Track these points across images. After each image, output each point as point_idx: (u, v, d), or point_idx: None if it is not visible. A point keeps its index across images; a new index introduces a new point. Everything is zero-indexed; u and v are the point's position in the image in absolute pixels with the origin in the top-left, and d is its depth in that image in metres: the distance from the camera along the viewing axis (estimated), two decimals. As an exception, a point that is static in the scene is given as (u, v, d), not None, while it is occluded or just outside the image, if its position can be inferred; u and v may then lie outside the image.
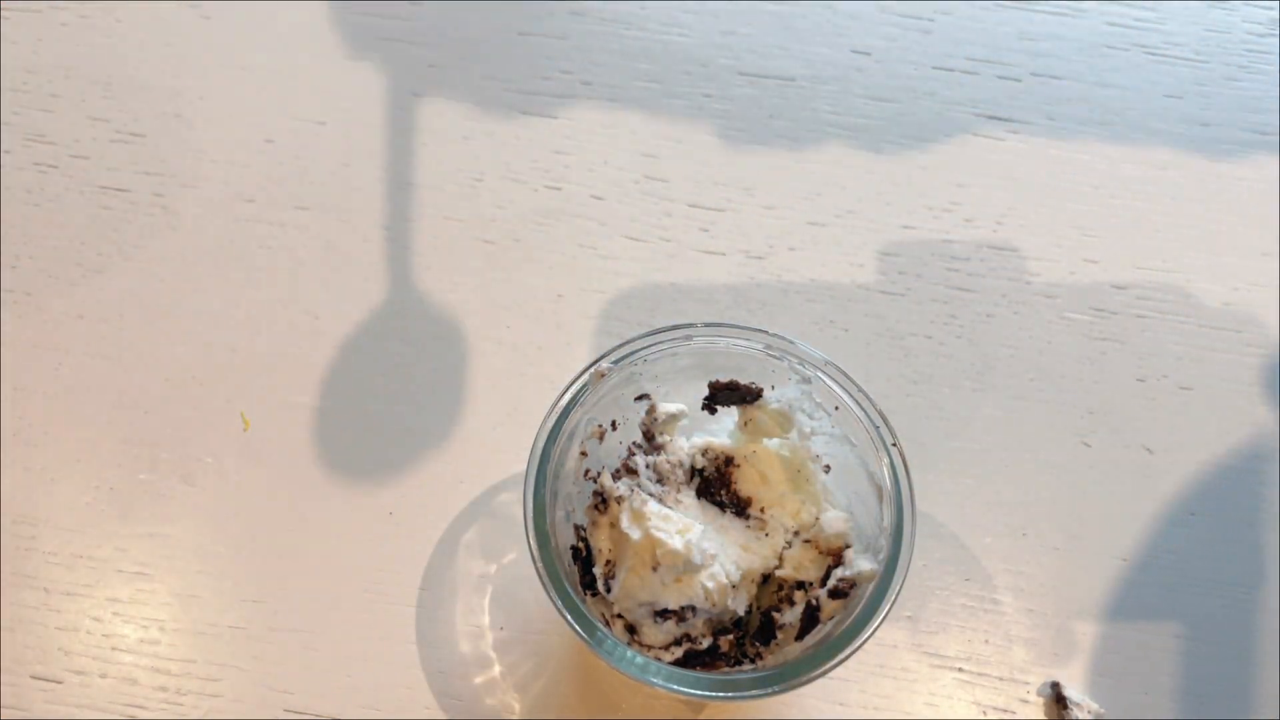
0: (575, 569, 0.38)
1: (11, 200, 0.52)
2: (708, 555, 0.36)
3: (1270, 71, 0.56)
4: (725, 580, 0.36)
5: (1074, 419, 0.49)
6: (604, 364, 0.37)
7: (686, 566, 0.35)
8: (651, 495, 0.37)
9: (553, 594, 0.35)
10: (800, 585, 0.38)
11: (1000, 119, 0.55)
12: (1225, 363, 0.50)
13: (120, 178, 0.53)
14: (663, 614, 0.36)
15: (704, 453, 0.40)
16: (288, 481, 0.47)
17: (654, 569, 0.35)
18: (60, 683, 0.44)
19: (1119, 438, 0.48)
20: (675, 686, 0.34)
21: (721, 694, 0.34)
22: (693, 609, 0.36)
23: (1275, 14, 0.57)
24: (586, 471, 0.39)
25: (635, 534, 0.35)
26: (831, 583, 0.36)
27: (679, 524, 0.36)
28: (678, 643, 0.36)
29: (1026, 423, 0.49)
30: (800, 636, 0.37)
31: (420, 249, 0.51)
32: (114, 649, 0.44)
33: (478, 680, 0.44)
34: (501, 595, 0.45)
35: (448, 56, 0.56)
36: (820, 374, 0.38)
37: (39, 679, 0.44)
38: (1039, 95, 0.55)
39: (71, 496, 0.47)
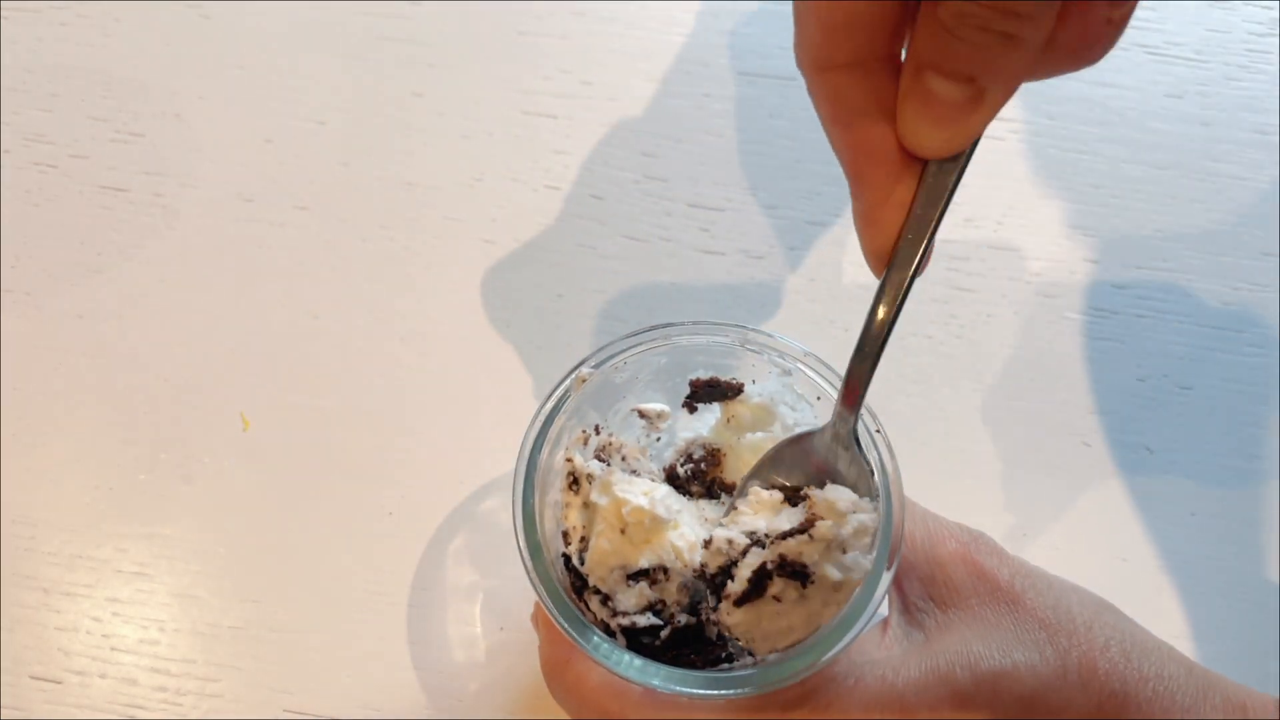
0: (568, 575, 0.38)
1: (11, 200, 0.52)
2: (673, 510, 0.36)
3: (1270, 71, 0.56)
4: (694, 538, 0.36)
5: (1074, 419, 0.49)
6: (585, 369, 0.37)
7: (653, 523, 0.35)
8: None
9: (548, 602, 0.35)
10: (757, 543, 0.36)
11: (1000, 119, 0.54)
12: (1225, 363, 0.50)
13: (120, 177, 0.53)
14: (635, 576, 0.36)
15: (689, 455, 0.40)
16: (288, 481, 0.47)
17: (622, 531, 0.35)
18: (59, 683, 0.44)
19: (1119, 438, 0.48)
20: (676, 687, 0.34)
21: (723, 692, 0.34)
22: (664, 570, 0.36)
23: (1275, 14, 0.57)
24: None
25: (603, 500, 0.36)
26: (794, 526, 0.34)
27: (643, 486, 0.36)
28: (652, 608, 0.36)
29: (1026, 423, 0.49)
30: (741, 602, 0.35)
31: (420, 249, 0.51)
32: (113, 649, 0.44)
33: (477, 680, 0.44)
34: (501, 595, 0.45)
35: (448, 56, 0.56)
36: (800, 365, 0.38)
37: (38, 679, 0.44)
38: (1039, 95, 0.55)
39: (71, 496, 0.47)
